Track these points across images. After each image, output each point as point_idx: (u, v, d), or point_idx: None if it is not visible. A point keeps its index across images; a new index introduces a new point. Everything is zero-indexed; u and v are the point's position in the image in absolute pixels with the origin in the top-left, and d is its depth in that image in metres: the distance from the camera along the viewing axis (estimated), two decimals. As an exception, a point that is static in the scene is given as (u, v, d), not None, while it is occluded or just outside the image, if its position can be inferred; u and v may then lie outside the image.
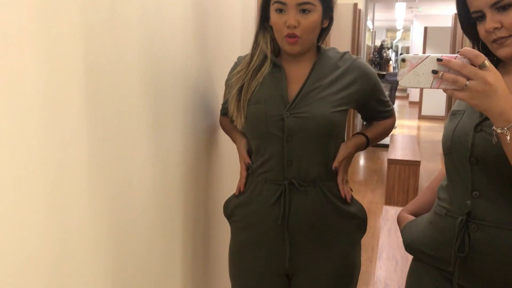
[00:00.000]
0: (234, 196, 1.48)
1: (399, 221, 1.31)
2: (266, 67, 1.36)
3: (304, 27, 1.28)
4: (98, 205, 0.95)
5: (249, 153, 1.44)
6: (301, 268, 1.37)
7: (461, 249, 1.06)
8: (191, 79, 1.45)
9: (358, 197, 1.49)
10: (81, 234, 0.89)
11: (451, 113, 1.17)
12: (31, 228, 0.75)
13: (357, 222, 1.41)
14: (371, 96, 1.41)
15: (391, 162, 4.39)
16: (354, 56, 1.39)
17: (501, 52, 1.01)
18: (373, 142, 1.49)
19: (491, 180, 1.04)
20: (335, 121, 1.32)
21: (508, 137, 0.88)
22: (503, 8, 0.99)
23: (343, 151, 1.38)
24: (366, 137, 1.45)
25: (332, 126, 1.32)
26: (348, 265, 1.40)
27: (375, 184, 5.19)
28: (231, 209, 1.46)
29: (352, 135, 1.47)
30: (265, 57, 1.37)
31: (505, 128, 0.88)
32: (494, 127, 0.90)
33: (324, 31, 1.39)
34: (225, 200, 1.50)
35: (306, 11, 1.27)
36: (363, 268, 3.10)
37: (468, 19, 1.09)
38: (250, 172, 1.41)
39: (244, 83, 1.36)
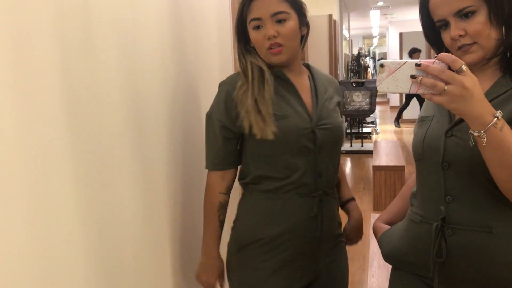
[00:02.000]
0: (250, 222, 1.38)
1: (375, 231, 1.32)
2: (268, 79, 1.31)
3: (284, 35, 1.28)
4: (84, 220, 0.96)
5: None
6: (323, 273, 1.41)
7: (439, 254, 1.07)
8: (169, 92, 1.46)
9: (346, 205, 1.56)
10: (68, 244, 0.89)
11: (419, 119, 1.18)
12: (15, 238, 0.76)
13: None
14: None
15: (376, 168, 4.41)
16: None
17: (466, 59, 1.03)
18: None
19: (463, 184, 1.05)
20: (344, 130, 1.42)
21: (485, 140, 0.90)
22: (466, 16, 1.02)
23: (359, 219, 1.55)
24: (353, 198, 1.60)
25: (343, 134, 1.42)
26: (347, 266, 1.50)
27: (362, 191, 5.20)
28: (251, 234, 1.35)
29: (344, 204, 1.57)
30: (261, 69, 1.32)
31: (482, 131, 0.90)
32: (471, 131, 0.92)
33: (301, 40, 1.39)
34: None
35: (282, 21, 1.28)
36: (356, 278, 3.09)
37: (432, 28, 1.12)
38: (274, 189, 1.33)
39: (255, 96, 1.29)
